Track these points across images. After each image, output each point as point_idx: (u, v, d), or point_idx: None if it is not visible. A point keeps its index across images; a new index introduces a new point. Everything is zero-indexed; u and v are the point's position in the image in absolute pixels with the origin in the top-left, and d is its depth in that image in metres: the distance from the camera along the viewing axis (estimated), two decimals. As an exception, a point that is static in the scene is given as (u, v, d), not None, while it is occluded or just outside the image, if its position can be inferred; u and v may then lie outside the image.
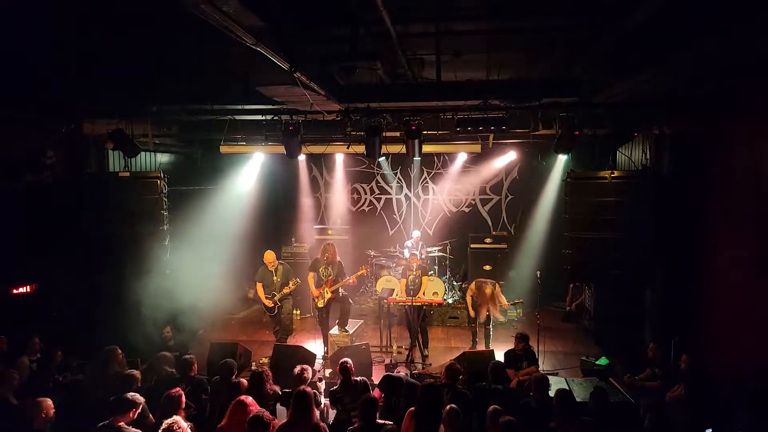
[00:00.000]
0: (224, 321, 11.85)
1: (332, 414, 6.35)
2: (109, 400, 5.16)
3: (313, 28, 6.06)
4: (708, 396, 6.23)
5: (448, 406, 4.96)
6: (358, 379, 6.36)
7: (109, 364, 6.69)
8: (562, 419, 5.17)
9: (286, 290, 9.48)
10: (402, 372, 6.50)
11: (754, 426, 5.35)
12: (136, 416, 5.14)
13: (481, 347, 9.53)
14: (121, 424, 4.94)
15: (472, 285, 9.62)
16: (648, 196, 8.12)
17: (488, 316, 9.43)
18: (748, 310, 6.55)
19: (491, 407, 5.09)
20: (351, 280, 9.74)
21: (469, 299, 9.65)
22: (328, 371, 8.30)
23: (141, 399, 5.22)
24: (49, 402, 5.16)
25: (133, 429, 5.00)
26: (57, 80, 7.24)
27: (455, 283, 12.07)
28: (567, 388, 6.94)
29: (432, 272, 11.48)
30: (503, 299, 9.47)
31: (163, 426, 4.62)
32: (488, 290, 9.26)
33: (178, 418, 4.78)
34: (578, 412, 5.31)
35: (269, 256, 9.65)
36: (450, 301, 11.59)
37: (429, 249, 12.33)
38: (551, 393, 5.81)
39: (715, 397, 6.22)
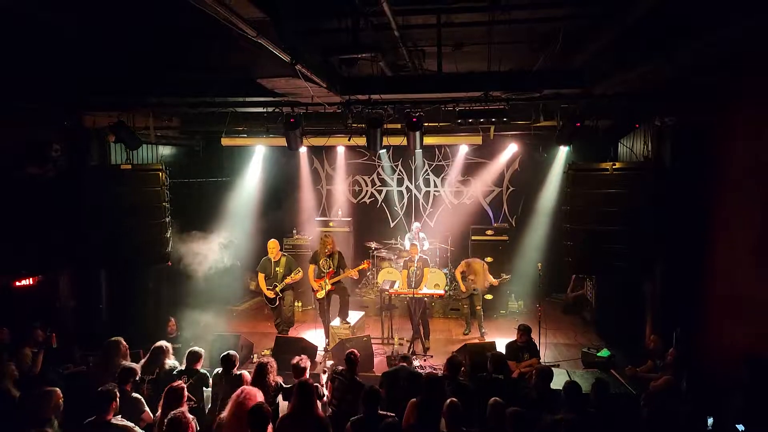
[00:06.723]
0: (226, 313, 11.88)
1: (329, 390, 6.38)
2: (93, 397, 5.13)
3: (314, 20, 6.04)
4: (706, 386, 6.26)
5: (448, 400, 4.98)
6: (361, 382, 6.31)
7: (112, 356, 6.70)
8: (569, 411, 5.18)
9: (288, 280, 9.48)
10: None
11: (747, 413, 5.39)
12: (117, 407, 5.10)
13: (476, 334, 9.69)
14: (109, 418, 4.95)
15: (462, 262, 10.34)
16: (649, 187, 8.09)
17: (477, 298, 9.93)
18: (747, 301, 6.56)
19: (492, 399, 5.11)
20: (353, 274, 9.76)
21: (458, 274, 10.19)
22: (329, 363, 8.33)
23: (114, 388, 5.15)
24: (59, 392, 5.18)
25: (123, 421, 5.01)
26: (58, 71, 7.24)
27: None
28: (569, 379, 6.96)
29: (433, 264, 11.51)
30: (491, 277, 10.11)
31: (170, 416, 4.65)
32: (477, 266, 10.10)
33: (184, 410, 4.81)
34: (585, 404, 5.33)
35: (272, 245, 9.67)
36: (451, 293, 11.63)
37: (430, 240, 12.36)
38: (553, 385, 5.84)
39: (714, 386, 6.25)
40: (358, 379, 6.21)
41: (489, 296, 10.33)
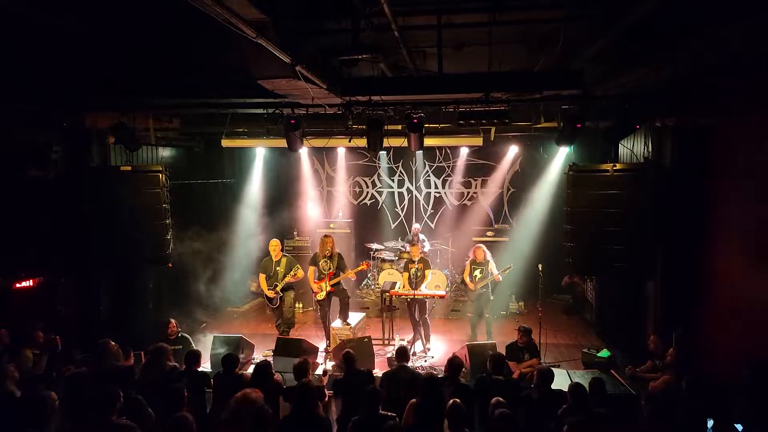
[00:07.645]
0: (227, 314, 11.89)
1: (335, 405, 6.38)
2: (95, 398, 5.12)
3: (314, 21, 6.05)
4: (706, 386, 6.25)
5: (451, 401, 4.96)
6: (362, 369, 6.40)
7: (102, 357, 6.68)
8: (575, 412, 5.16)
9: (288, 278, 9.44)
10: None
11: (747, 414, 5.38)
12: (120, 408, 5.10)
13: (483, 339, 9.62)
14: (112, 419, 4.94)
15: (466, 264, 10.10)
16: (650, 188, 8.10)
17: (485, 300, 9.63)
18: (748, 302, 6.56)
19: (494, 399, 5.10)
20: (350, 275, 9.74)
21: (466, 276, 9.84)
22: (330, 364, 8.33)
23: (116, 389, 5.13)
24: (54, 395, 5.18)
25: (125, 422, 5.01)
26: (58, 72, 7.24)
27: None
28: (569, 380, 6.97)
29: (434, 265, 11.50)
30: (494, 270, 9.73)
31: (171, 418, 4.65)
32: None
33: (185, 411, 4.81)
34: (591, 404, 5.31)
35: (273, 244, 9.66)
36: (452, 293, 11.62)
37: (431, 242, 12.36)
38: (553, 386, 5.83)
39: (714, 387, 6.23)
40: (359, 369, 6.27)
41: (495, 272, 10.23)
